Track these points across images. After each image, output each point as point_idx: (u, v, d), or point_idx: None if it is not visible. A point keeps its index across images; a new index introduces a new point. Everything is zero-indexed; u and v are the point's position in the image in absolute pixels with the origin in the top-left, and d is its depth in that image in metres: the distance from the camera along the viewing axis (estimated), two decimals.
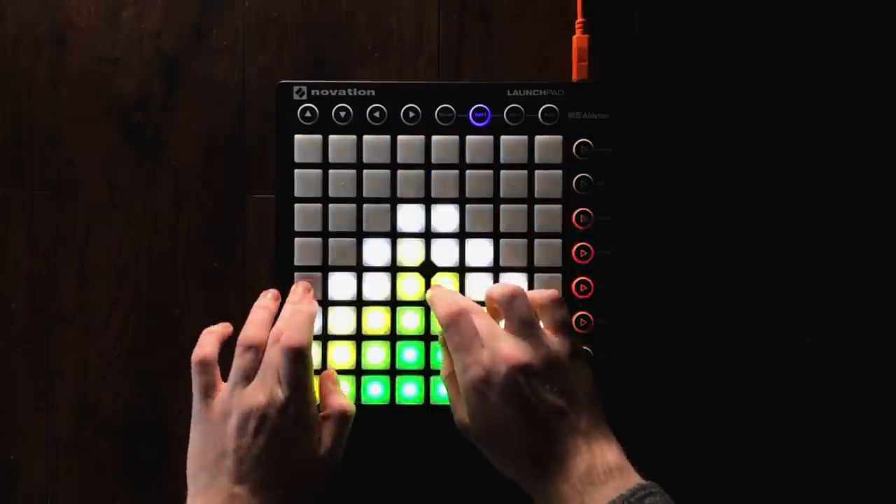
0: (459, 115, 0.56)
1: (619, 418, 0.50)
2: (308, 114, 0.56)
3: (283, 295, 0.56)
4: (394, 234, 0.57)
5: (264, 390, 0.50)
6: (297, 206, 0.56)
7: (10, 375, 0.59)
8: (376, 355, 0.56)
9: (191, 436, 0.51)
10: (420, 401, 0.56)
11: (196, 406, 0.52)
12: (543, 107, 0.56)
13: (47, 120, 0.59)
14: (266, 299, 0.55)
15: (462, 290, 0.56)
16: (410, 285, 0.57)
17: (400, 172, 0.57)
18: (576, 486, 0.46)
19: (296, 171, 0.57)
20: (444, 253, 0.57)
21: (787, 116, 0.59)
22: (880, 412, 0.58)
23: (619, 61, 0.59)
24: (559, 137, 0.56)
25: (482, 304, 0.54)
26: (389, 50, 0.59)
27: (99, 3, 0.59)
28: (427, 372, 0.56)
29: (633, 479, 0.46)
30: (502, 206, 0.57)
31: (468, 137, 0.57)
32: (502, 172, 0.57)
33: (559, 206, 0.56)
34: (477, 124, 0.57)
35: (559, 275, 0.56)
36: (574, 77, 0.58)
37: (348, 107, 0.56)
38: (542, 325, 0.51)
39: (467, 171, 0.57)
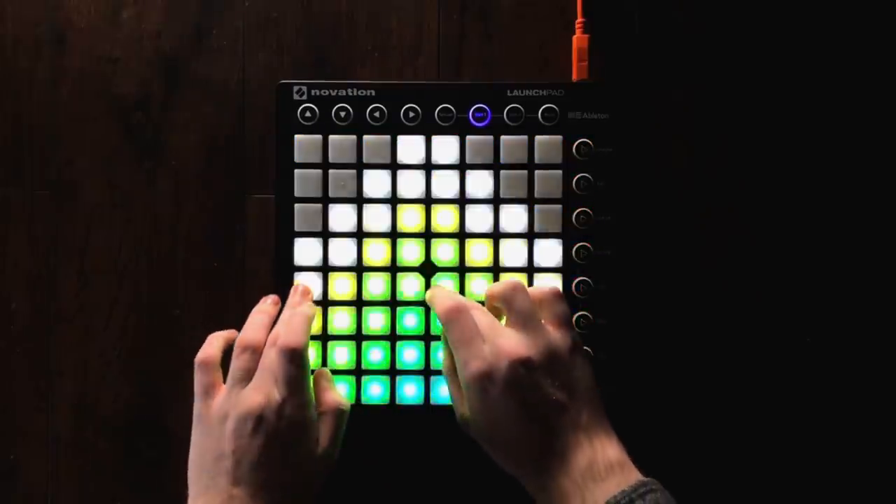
0: (459, 115, 0.56)
1: (619, 418, 0.50)
2: (308, 114, 0.56)
3: (283, 298, 0.56)
4: (394, 234, 0.57)
5: (261, 392, 0.50)
6: (297, 206, 0.56)
7: (10, 375, 0.59)
8: (376, 355, 0.56)
9: (192, 437, 0.52)
10: (420, 401, 0.56)
11: (196, 407, 0.52)
12: (543, 107, 0.56)
13: (47, 120, 0.59)
14: (266, 304, 0.55)
15: (462, 290, 0.56)
16: (410, 285, 0.57)
17: (400, 172, 0.57)
18: (576, 481, 0.46)
19: (296, 171, 0.57)
20: (445, 253, 0.57)
21: (787, 116, 0.59)
22: (880, 412, 0.58)
23: (619, 61, 0.59)
24: (559, 137, 0.56)
25: (482, 303, 0.54)
26: (389, 50, 0.59)
27: (99, 3, 0.59)
28: (427, 372, 0.56)
29: (634, 476, 0.46)
30: (502, 206, 0.57)
31: (468, 137, 0.57)
32: (502, 172, 0.57)
33: (559, 206, 0.56)
34: (477, 124, 0.57)
35: (559, 275, 0.56)
36: (574, 77, 0.58)
37: (348, 107, 0.56)
38: (542, 320, 0.51)
39: (467, 171, 0.57)
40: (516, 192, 0.56)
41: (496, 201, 0.57)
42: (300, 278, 0.56)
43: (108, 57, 0.59)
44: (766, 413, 0.58)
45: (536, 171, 0.57)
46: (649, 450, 0.48)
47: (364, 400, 0.56)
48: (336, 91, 0.57)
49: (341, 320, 0.56)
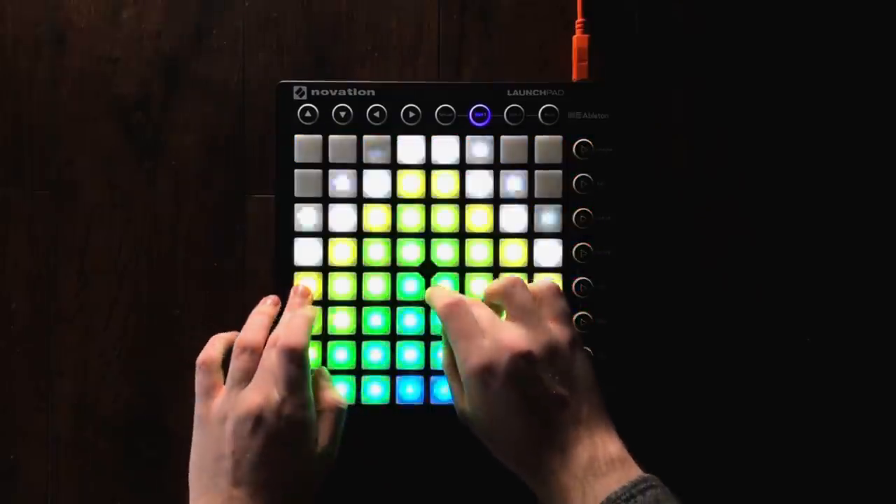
0: (459, 115, 0.56)
1: (620, 417, 0.50)
2: (308, 114, 0.56)
3: (283, 299, 0.56)
4: (394, 234, 0.57)
5: (260, 392, 0.50)
6: (297, 206, 0.56)
7: (10, 375, 0.59)
8: (376, 355, 0.56)
9: (193, 439, 0.52)
10: (420, 401, 0.56)
11: (196, 409, 0.52)
12: (543, 107, 0.56)
13: (47, 120, 0.59)
14: (265, 305, 0.55)
15: (462, 289, 0.56)
16: (410, 285, 0.57)
17: (400, 172, 0.57)
18: (577, 475, 0.46)
19: (296, 171, 0.57)
20: (444, 253, 0.57)
21: (787, 116, 0.59)
22: (880, 411, 0.58)
23: (619, 61, 0.59)
24: (559, 137, 0.56)
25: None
26: (389, 50, 0.59)
27: (99, 3, 0.59)
28: (427, 372, 0.56)
29: (635, 472, 0.46)
30: (502, 206, 0.57)
31: (468, 137, 0.57)
32: (502, 172, 0.57)
33: (559, 206, 0.56)
34: (477, 124, 0.57)
35: (559, 275, 0.56)
36: (574, 77, 0.58)
37: (348, 107, 0.56)
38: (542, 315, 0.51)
39: (467, 171, 0.57)
40: (516, 192, 0.56)
41: (496, 201, 0.57)
42: (300, 278, 0.56)
43: (108, 57, 0.59)
44: (765, 412, 0.58)
45: (536, 171, 0.57)
46: (649, 449, 0.48)
47: (364, 400, 0.56)
48: (336, 91, 0.57)
49: (341, 320, 0.56)
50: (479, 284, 0.56)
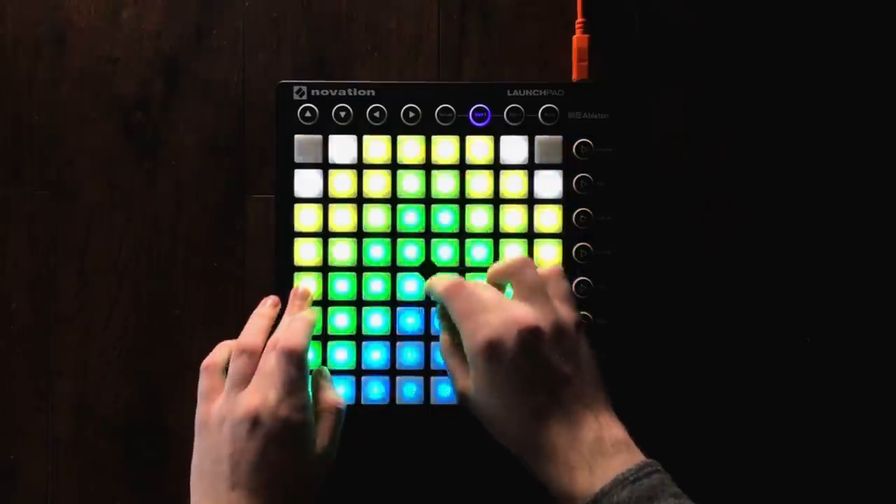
0: (459, 115, 0.56)
1: (620, 417, 0.50)
2: (308, 114, 0.56)
3: (283, 299, 0.56)
4: (394, 234, 0.57)
5: (258, 394, 0.49)
6: (297, 206, 0.56)
7: (10, 375, 0.59)
8: (376, 355, 0.56)
9: (194, 442, 0.51)
10: (420, 401, 0.56)
11: (197, 412, 0.51)
12: (543, 107, 0.56)
13: (47, 120, 0.59)
14: (265, 307, 0.55)
15: None
16: (410, 285, 0.57)
17: (400, 172, 0.57)
18: (584, 455, 0.46)
19: (296, 171, 0.57)
20: (445, 253, 0.57)
21: (787, 116, 0.59)
22: (880, 411, 0.58)
23: (619, 61, 0.59)
24: (559, 137, 0.56)
25: None
26: (389, 50, 0.59)
27: (99, 3, 0.59)
28: (427, 372, 0.56)
29: (639, 456, 0.46)
30: (502, 206, 0.57)
31: (468, 137, 0.57)
32: (502, 172, 0.57)
33: (559, 206, 0.56)
34: (477, 124, 0.57)
35: None
36: (574, 77, 0.58)
37: (348, 107, 0.56)
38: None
39: (467, 171, 0.57)
40: (516, 192, 0.56)
41: (496, 201, 0.57)
42: (300, 278, 0.56)
43: (108, 57, 0.59)
44: (765, 412, 0.58)
45: (536, 171, 0.57)
46: (650, 449, 0.48)
47: (364, 400, 0.56)
48: (336, 91, 0.57)
49: (341, 320, 0.56)
50: None
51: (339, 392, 0.55)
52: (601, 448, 0.46)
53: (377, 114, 0.56)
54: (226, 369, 0.52)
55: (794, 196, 0.59)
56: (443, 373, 0.56)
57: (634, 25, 0.59)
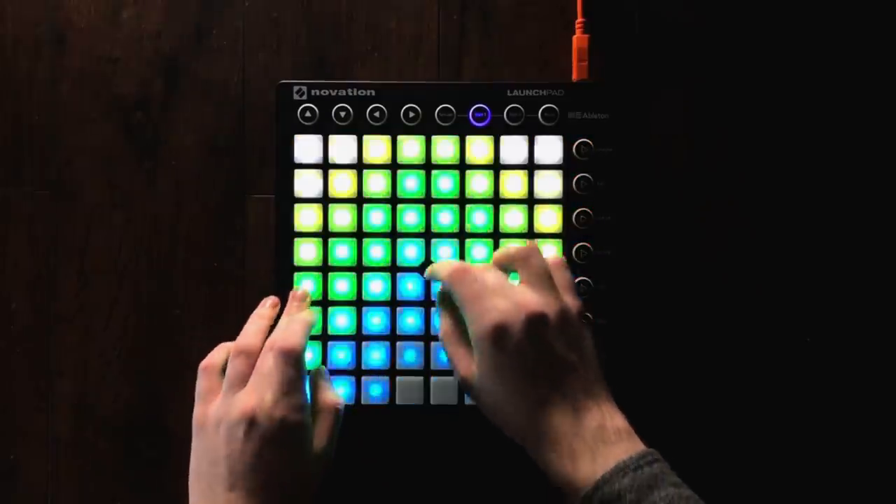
0: (459, 115, 0.56)
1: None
2: (308, 114, 0.56)
3: (283, 300, 0.56)
4: (394, 234, 0.57)
5: (254, 395, 0.49)
6: (297, 206, 0.56)
7: (10, 375, 0.59)
8: (376, 355, 0.56)
9: (192, 443, 0.51)
10: (420, 401, 0.56)
11: (194, 413, 0.51)
12: (543, 107, 0.56)
13: (47, 120, 0.59)
14: (264, 308, 0.55)
15: None
16: (410, 285, 0.57)
17: (400, 172, 0.57)
18: (587, 442, 0.46)
19: (296, 171, 0.57)
20: (444, 253, 0.57)
21: (787, 116, 0.59)
22: (880, 410, 0.58)
23: (619, 61, 0.59)
24: (559, 137, 0.56)
25: None
26: (389, 50, 0.59)
27: (99, 3, 0.59)
28: (427, 372, 0.56)
29: (641, 445, 0.46)
30: (502, 206, 0.57)
31: (468, 137, 0.57)
32: (502, 172, 0.57)
33: (559, 206, 0.56)
34: (477, 124, 0.57)
35: None
36: (574, 77, 0.58)
37: (348, 107, 0.56)
38: None
39: (467, 171, 0.57)
40: (516, 192, 0.56)
41: (496, 201, 0.57)
42: (300, 278, 0.56)
43: (108, 57, 0.59)
44: (765, 413, 0.58)
45: (536, 171, 0.57)
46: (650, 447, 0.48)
47: (364, 400, 0.56)
48: (336, 91, 0.57)
49: (341, 320, 0.56)
50: None
51: (337, 392, 0.55)
52: (604, 436, 0.46)
53: (377, 114, 0.56)
54: (224, 370, 0.52)
55: (794, 196, 0.59)
56: (443, 373, 0.56)
57: (634, 25, 0.59)
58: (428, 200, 0.57)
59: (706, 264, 0.59)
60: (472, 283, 0.50)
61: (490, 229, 0.56)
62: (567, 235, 0.56)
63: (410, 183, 0.57)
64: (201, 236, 0.59)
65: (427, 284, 0.56)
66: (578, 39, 0.58)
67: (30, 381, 0.59)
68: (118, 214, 0.59)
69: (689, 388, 0.58)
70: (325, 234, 0.57)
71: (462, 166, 0.57)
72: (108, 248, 0.59)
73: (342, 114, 0.56)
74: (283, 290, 0.56)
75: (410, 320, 0.56)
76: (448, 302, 0.52)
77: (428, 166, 0.57)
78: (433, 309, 0.56)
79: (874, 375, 0.58)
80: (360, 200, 0.57)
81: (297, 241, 0.56)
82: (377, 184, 0.57)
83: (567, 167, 0.56)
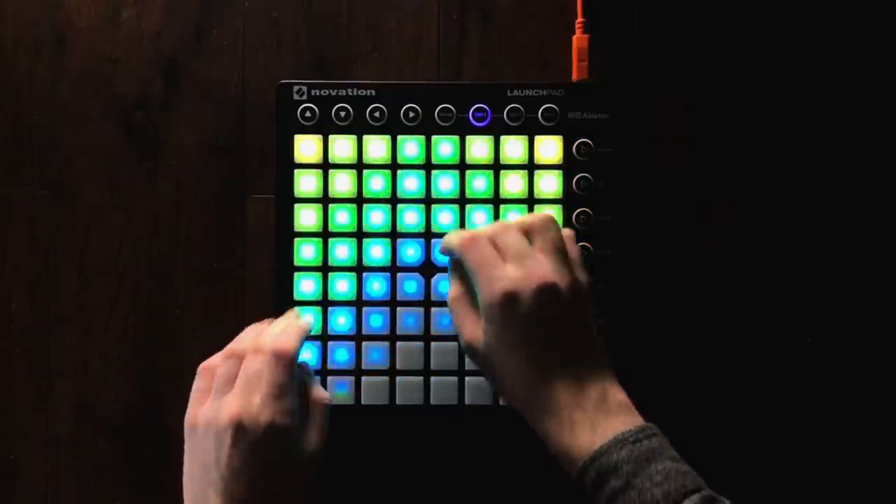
0: (459, 115, 0.56)
1: None
2: (308, 114, 0.56)
3: (283, 300, 0.55)
4: (394, 234, 0.57)
5: (241, 399, 0.49)
6: (297, 206, 0.56)
7: (10, 375, 0.59)
8: (376, 355, 0.56)
9: (185, 445, 0.51)
10: (420, 401, 0.56)
11: (186, 413, 0.51)
12: (543, 107, 0.56)
13: (47, 120, 0.59)
14: (262, 323, 0.54)
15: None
16: (410, 285, 0.57)
17: (400, 172, 0.57)
18: (588, 412, 0.46)
19: (296, 171, 0.57)
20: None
21: (787, 116, 0.59)
22: (880, 410, 0.58)
23: (619, 61, 0.59)
24: (559, 137, 0.56)
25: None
26: (389, 50, 0.59)
27: (99, 3, 0.59)
28: (427, 372, 0.56)
29: (640, 420, 0.47)
30: (502, 206, 0.57)
31: (468, 137, 0.57)
32: (502, 172, 0.57)
33: (559, 206, 0.56)
34: (477, 124, 0.57)
35: None
36: (574, 77, 0.58)
37: (348, 107, 0.56)
38: None
39: (467, 171, 0.57)
40: (516, 191, 0.56)
41: (496, 201, 0.57)
42: (300, 278, 0.56)
43: (108, 57, 0.59)
44: (765, 413, 0.58)
45: (536, 171, 0.57)
46: None
47: (364, 400, 0.56)
48: (336, 91, 0.57)
49: (341, 320, 0.56)
50: None
51: (322, 387, 0.54)
52: (604, 408, 0.46)
53: (377, 114, 0.56)
54: None
55: (794, 196, 0.59)
56: (443, 373, 0.56)
57: (634, 25, 0.59)
58: (428, 200, 0.57)
59: (706, 264, 0.59)
60: (483, 251, 0.49)
61: None
62: None
63: (410, 183, 0.57)
64: (201, 236, 0.59)
65: (428, 285, 0.56)
66: (578, 39, 0.58)
67: (30, 381, 0.59)
68: (118, 214, 0.59)
69: (689, 389, 0.58)
70: (325, 234, 0.57)
71: (462, 166, 0.57)
72: (108, 248, 0.59)
73: (342, 114, 0.56)
74: (282, 289, 0.56)
75: (410, 320, 0.56)
76: (459, 269, 0.51)
77: (428, 166, 0.57)
78: (433, 309, 0.56)
79: (874, 375, 0.58)
80: (360, 200, 0.57)
81: (297, 241, 0.56)
82: (377, 184, 0.57)
83: (567, 167, 0.56)
